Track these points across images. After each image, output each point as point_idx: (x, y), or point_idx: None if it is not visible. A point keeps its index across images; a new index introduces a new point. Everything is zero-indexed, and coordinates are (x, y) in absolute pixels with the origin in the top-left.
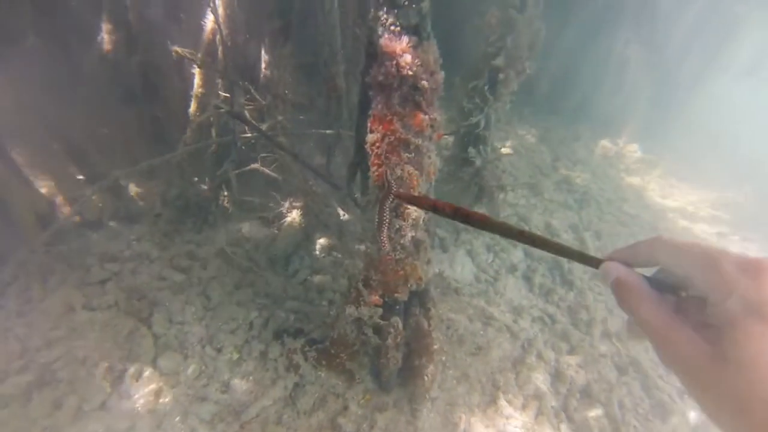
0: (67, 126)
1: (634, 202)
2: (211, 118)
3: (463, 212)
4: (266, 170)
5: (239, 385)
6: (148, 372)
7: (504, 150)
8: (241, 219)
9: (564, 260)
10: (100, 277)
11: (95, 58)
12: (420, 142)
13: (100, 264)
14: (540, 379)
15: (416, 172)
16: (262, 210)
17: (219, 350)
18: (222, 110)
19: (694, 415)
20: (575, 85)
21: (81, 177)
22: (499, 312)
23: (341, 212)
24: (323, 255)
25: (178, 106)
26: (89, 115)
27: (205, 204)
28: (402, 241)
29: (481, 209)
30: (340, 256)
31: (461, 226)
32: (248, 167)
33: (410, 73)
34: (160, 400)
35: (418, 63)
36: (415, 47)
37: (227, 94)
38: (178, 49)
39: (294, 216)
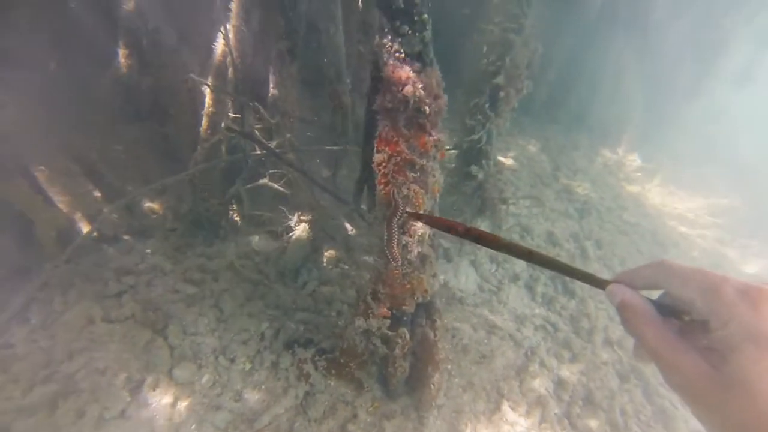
0: (83, 146)
1: (634, 211)
2: (220, 137)
3: (475, 232)
4: (275, 185)
5: (252, 394)
6: (164, 382)
7: (507, 162)
8: (250, 233)
9: None
10: (117, 290)
11: (109, 81)
12: (425, 162)
13: (117, 278)
14: (543, 387)
15: (422, 190)
16: (271, 224)
17: (232, 360)
18: (233, 132)
19: (695, 422)
20: (573, 93)
21: (97, 194)
22: (503, 321)
23: (348, 226)
24: (331, 267)
25: (189, 124)
26: (104, 134)
27: (215, 218)
28: (409, 257)
29: (483, 221)
30: (347, 267)
31: None
32: (258, 183)
33: (415, 97)
34: (177, 409)
35: (422, 88)
36: (418, 73)
37: (238, 115)
38: (194, 77)
39: (302, 229)
